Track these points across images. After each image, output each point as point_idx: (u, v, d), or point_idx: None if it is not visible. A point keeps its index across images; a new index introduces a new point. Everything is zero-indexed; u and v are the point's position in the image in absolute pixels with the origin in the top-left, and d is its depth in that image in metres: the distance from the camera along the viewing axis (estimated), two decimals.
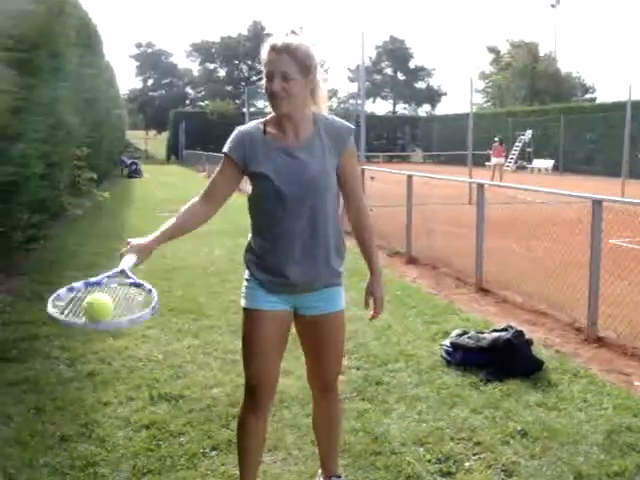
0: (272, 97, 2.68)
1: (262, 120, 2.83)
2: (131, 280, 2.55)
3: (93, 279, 2.55)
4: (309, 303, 2.87)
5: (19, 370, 4.85)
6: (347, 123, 2.88)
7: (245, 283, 2.90)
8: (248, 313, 2.88)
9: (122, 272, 2.58)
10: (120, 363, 5.03)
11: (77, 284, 2.54)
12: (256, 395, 2.90)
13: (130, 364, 5.01)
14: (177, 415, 4.10)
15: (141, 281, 2.53)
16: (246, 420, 2.96)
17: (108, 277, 2.56)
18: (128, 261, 2.63)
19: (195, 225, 2.81)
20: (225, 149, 2.79)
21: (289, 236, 2.75)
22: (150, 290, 2.48)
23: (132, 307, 2.45)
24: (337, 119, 2.87)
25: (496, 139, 28.63)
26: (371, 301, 3.00)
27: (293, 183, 2.71)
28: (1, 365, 4.98)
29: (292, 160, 2.73)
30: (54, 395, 4.41)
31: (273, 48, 2.66)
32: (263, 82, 2.76)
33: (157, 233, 2.73)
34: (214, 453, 3.64)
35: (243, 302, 2.90)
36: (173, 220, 2.76)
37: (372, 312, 3.01)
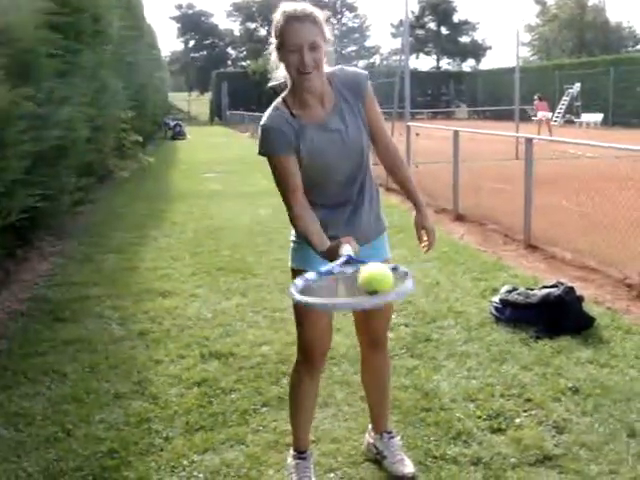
0: (303, 71, 2.51)
1: (279, 103, 2.67)
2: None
3: (324, 269, 2.38)
4: (361, 253, 2.77)
5: (73, 330, 4.97)
6: (359, 70, 2.76)
7: (292, 244, 2.86)
8: (298, 273, 2.84)
9: (348, 259, 2.39)
10: (170, 322, 5.10)
11: (310, 275, 2.36)
12: (311, 356, 2.91)
13: (180, 323, 5.08)
14: (227, 372, 4.15)
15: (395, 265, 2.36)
16: (300, 380, 2.97)
17: (339, 266, 2.39)
18: (346, 248, 2.46)
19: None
20: (268, 152, 2.64)
21: (340, 203, 2.74)
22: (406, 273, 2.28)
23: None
24: (348, 68, 2.75)
25: (535, 97, 28.07)
26: (423, 234, 2.88)
27: (337, 155, 2.66)
28: (55, 325, 5.10)
29: (329, 133, 2.65)
30: (107, 354, 4.51)
31: (295, 18, 2.50)
32: (273, 56, 2.63)
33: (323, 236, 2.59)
34: (265, 409, 3.68)
35: (293, 263, 2.86)
36: (314, 225, 2.61)
37: (426, 244, 2.89)
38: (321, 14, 2.56)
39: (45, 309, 5.48)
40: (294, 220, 2.64)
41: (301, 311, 2.84)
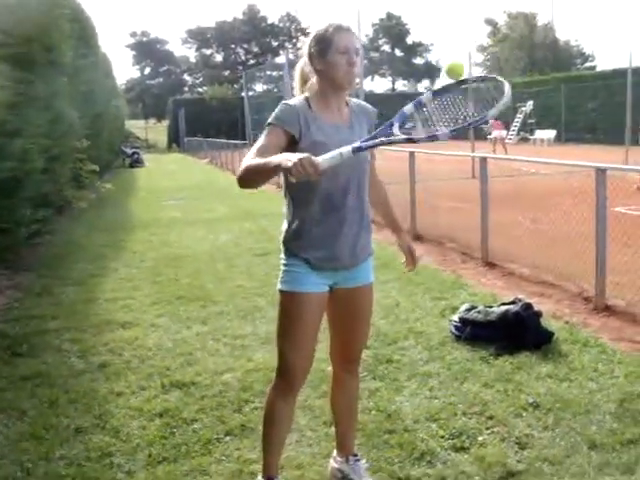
0: (351, 71, 2.76)
1: (303, 97, 2.83)
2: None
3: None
4: (350, 275, 2.90)
5: (31, 364, 4.88)
6: (372, 106, 3.01)
7: (284, 267, 2.86)
8: (292, 296, 2.83)
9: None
10: (131, 353, 5.04)
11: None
12: (293, 379, 2.90)
13: (140, 354, 5.03)
14: (189, 402, 4.11)
15: None
16: (278, 404, 2.95)
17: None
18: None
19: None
20: (275, 120, 2.73)
21: (340, 210, 2.79)
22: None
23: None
24: (362, 102, 3.03)
25: None
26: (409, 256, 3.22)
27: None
28: (13, 360, 5.01)
29: (341, 134, 2.78)
30: (67, 388, 4.43)
31: (342, 27, 2.77)
32: (304, 67, 2.82)
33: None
34: (228, 438, 3.66)
35: (284, 286, 2.85)
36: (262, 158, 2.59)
37: (412, 265, 3.22)
38: None
39: (2, 344, 5.37)
40: (242, 167, 2.60)
41: (292, 335, 2.84)
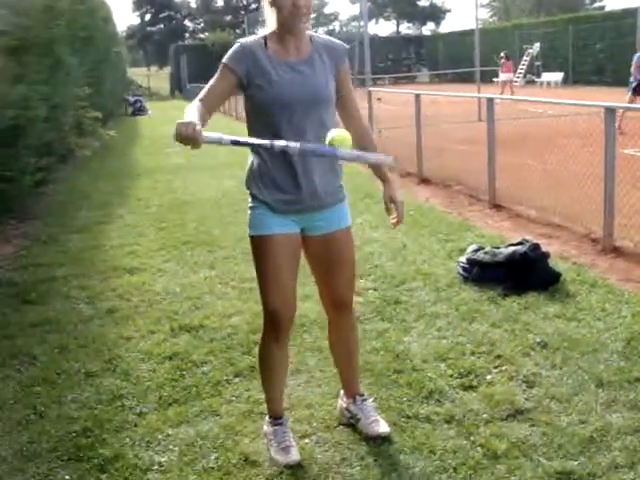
0: (296, 13, 2.64)
1: (261, 36, 2.79)
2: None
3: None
4: (316, 222, 2.85)
5: (40, 311, 4.90)
6: (342, 42, 2.89)
7: (250, 211, 2.85)
8: (259, 240, 2.83)
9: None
10: (139, 298, 5.06)
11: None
12: (277, 322, 2.90)
13: (149, 298, 5.05)
14: (198, 345, 4.14)
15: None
16: (268, 348, 2.97)
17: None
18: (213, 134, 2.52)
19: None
20: (225, 60, 2.74)
21: (300, 148, 2.65)
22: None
23: None
24: (332, 39, 2.89)
25: (502, 54, 28.05)
26: (392, 207, 2.93)
27: (299, 94, 2.71)
28: (23, 307, 5.04)
29: (296, 73, 2.73)
30: (76, 333, 4.46)
31: None
32: (266, 5, 2.72)
33: (196, 115, 2.55)
34: (237, 380, 3.68)
35: (251, 230, 2.85)
36: (197, 108, 2.62)
37: (395, 218, 2.93)
38: None
39: (11, 292, 5.39)
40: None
41: (265, 277, 2.85)
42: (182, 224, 7.40)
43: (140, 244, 6.63)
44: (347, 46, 2.88)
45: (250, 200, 2.86)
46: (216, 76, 2.76)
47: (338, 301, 3.03)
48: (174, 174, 11.38)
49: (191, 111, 2.57)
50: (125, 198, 9.34)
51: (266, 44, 2.75)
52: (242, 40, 2.80)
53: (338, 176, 2.89)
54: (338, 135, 2.53)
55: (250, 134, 2.80)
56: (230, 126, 21.84)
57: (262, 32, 2.83)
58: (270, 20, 2.76)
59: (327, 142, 2.51)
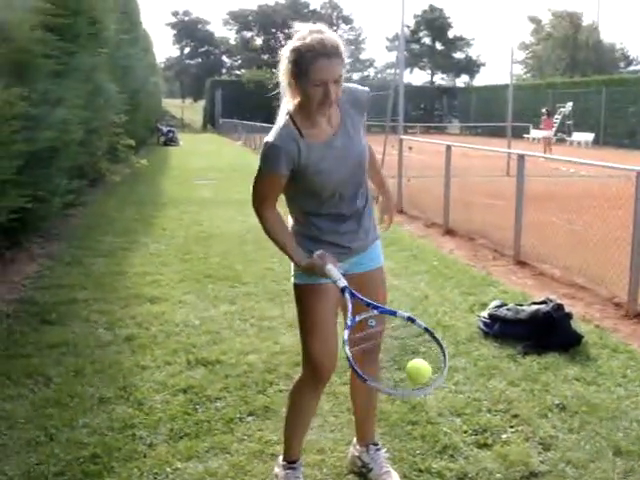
0: (325, 103, 2.57)
1: (285, 122, 2.66)
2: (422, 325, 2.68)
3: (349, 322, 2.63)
4: (360, 261, 2.90)
5: (58, 333, 4.93)
6: (361, 87, 2.84)
7: None
8: (307, 288, 2.83)
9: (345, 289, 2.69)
10: (158, 328, 5.07)
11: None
12: (320, 373, 2.88)
13: (167, 329, 5.05)
14: (214, 380, 4.12)
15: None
16: (304, 395, 2.95)
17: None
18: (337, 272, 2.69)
19: None
20: (267, 168, 2.67)
21: (345, 213, 2.79)
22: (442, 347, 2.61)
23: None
24: (352, 86, 2.80)
25: (543, 110, 28.13)
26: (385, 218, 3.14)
27: (343, 170, 2.72)
28: (41, 327, 5.06)
29: (335, 151, 2.70)
30: (93, 358, 4.47)
31: (321, 53, 2.51)
32: (285, 78, 2.63)
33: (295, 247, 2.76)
34: (250, 418, 3.66)
35: (297, 279, 2.86)
36: (289, 236, 2.79)
37: (386, 225, 3.13)
38: (342, 42, 2.60)
39: (31, 311, 5.43)
40: (264, 218, 2.74)
41: (312, 326, 2.85)
42: (205, 257, 7.44)
43: (162, 274, 6.66)
44: (367, 89, 2.84)
45: None
46: (263, 178, 2.70)
47: (369, 352, 2.99)
48: (201, 206, 11.46)
49: (288, 240, 2.75)
50: (150, 227, 9.42)
51: (299, 130, 2.64)
52: (272, 139, 2.64)
53: (372, 215, 2.95)
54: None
55: (291, 206, 2.85)
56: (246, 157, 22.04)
57: (285, 106, 2.70)
58: (294, 94, 2.66)
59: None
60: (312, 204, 2.78)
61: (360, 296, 2.66)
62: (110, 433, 3.47)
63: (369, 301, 2.66)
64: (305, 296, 2.84)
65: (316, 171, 2.68)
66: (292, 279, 2.90)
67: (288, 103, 2.69)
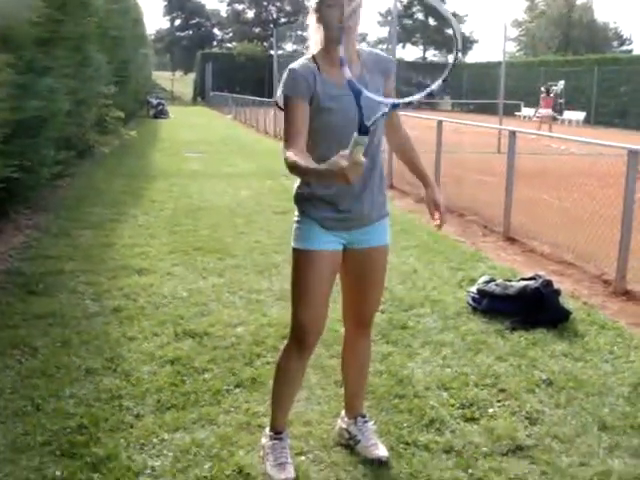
0: (343, 27, 2.54)
1: (309, 56, 2.74)
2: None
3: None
4: (363, 236, 2.85)
5: (46, 303, 4.89)
6: (389, 56, 2.87)
7: (296, 224, 2.85)
8: (303, 254, 2.81)
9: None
10: (145, 299, 5.05)
11: None
12: (304, 336, 2.87)
13: (155, 301, 5.03)
14: (201, 352, 4.11)
15: None
16: (289, 360, 2.94)
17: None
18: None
19: None
20: (288, 92, 2.67)
21: None
22: None
23: None
24: (378, 51, 2.88)
25: (542, 88, 28.01)
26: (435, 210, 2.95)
27: (351, 117, 2.58)
28: (28, 298, 5.03)
29: (346, 95, 2.59)
30: (80, 329, 4.45)
31: None
32: (311, 24, 2.70)
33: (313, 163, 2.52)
34: (237, 390, 3.65)
35: (296, 243, 2.84)
36: (306, 159, 2.55)
37: (438, 220, 2.94)
38: None
39: (18, 282, 5.39)
40: (287, 158, 2.57)
41: (304, 292, 2.83)
42: (195, 230, 7.40)
43: (151, 246, 6.62)
44: (394, 59, 2.85)
45: (297, 214, 2.85)
46: (288, 113, 2.68)
47: (361, 318, 3.03)
48: (191, 179, 11.40)
49: (303, 158, 2.52)
50: (140, 199, 9.36)
51: (318, 67, 2.71)
52: (293, 66, 2.72)
53: (383, 190, 2.91)
54: None
55: (309, 149, 2.69)
56: (251, 136, 21.92)
57: (309, 52, 2.77)
58: (316, 38, 2.74)
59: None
60: (318, 150, 2.67)
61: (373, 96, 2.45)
62: (97, 404, 3.46)
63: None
64: (300, 261, 2.83)
65: (326, 107, 2.67)
66: (292, 242, 2.87)
67: (313, 47, 2.75)
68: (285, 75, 2.71)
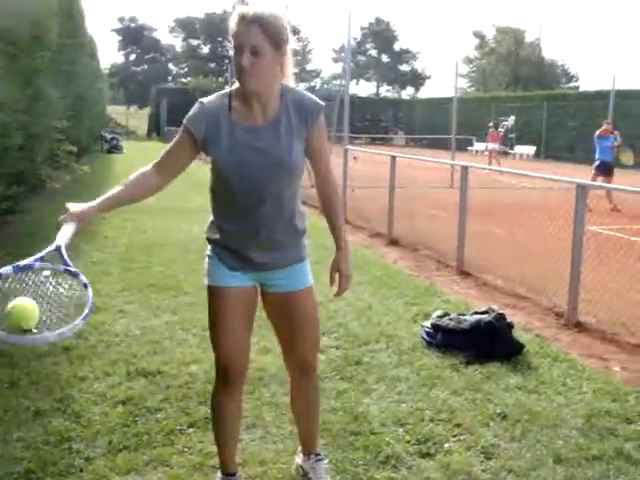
0: (240, 72, 2.50)
1: (227, 92, 2.66)
2: (65, 267, 2.39)
3: (24, 262, 2.34)
4: (274, 281, 2.81)
5: None
6: (316, 99, 2.72)
7: (207, 260, 2.81)
8: (213, 290, 2.79)
9: (57, 250, 2.41)
10: (97, 338, 4.95)
11: (5, 269, 2.29)
12: (228, 374, 2.85)
13: (107, 339, 4.94)
14: (154, 391, 4.04)
15: (77, 270, 2.37)
16: (220, 399, 2.91)
17: (41, 259, 2.38)
18: (65, 233, 2.47)
19: (145, 195, 2.67)
20: (185, 121, 2.64)
21: (253, 219, 2.67)
22: (85, 285, 2.32)
23: (64, 309, 2.29)
24: (306, 94, 2.72)
25: (490, 124, 28.64)
26: (336, 277, 2.91)
27: (257, 166, 2.61)
28: None
29: (257, 142, 2.61)
30: (29, 369, 4.33)
31: (243, 18, 2.48)
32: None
33: (101, 198, 2.61)
34: (191, 430, 3.59)
35: (206, 280, 2.81)
36: (121, 187, 2.63)
37: (336, 288, 2.91)
38: (281, 22, 2.53)
39: None
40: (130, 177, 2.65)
41: (216, 328, 2.81)
42: (148, 266, 7.31)
43: (104, 283, 6.52)
44: (321, 103, 2.72)
45: (209, 248, 2.82)
46: (177, 137, 2.68)
47: (301, 363, 2.96)
48: (145, 214, 11.26)
49: (114, 189, 2.62)
50: (93, 235, 9.21)
51: (230, 105, 2.63)
52: (205, 100, 2.67)
53: (299, 235, 2.81)
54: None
55: (212, 194, 2.77)
56: (204, 171, 21.88)
57: (232, 86, 2.66)
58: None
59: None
60: (222, 200, 2.71)
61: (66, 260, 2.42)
62: (46, 447, 3.37)
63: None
64: (210, 297, 2.81)
65: (228, 153, 2.60)
66: (203, 279, 2.84)
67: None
68: (195, 106, 2.66)
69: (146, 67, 79.87)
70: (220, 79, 61.62)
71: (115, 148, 31.22)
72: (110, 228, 9.76)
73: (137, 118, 63.03)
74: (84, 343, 4.83)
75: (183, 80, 73.40)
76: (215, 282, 2.78)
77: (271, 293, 2.84)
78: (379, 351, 4.86)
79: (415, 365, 4.60)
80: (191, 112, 2.65)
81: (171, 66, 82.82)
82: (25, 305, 2.29)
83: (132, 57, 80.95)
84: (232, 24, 2.52)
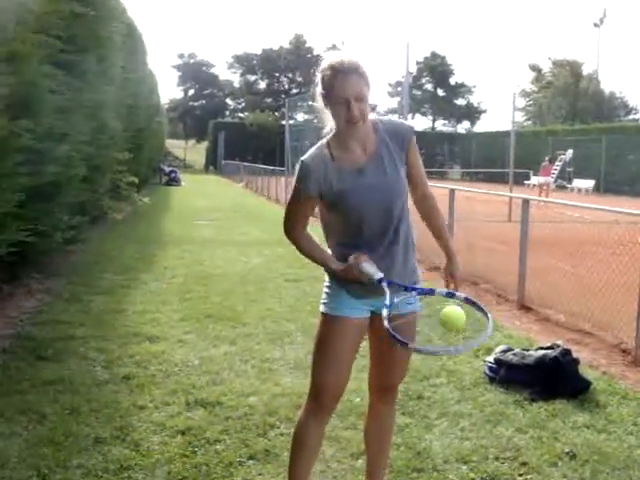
0: (351, 122, 2.61)
1: (325, 142, 2.74)
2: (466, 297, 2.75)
3: (387, 301, 2.66)
4: (403, 302, 2.82)
5: (55, 369, 4.82)
6: (406, 122, 2.89)
7: (326, 290, 2.86)
8: (329, 319, 2.81)
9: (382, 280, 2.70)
10: (156, 367, 4.96)
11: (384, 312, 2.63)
12: (323, 398, 2.84)
13: (166, 369, 4.95)
14: (213, 422, 4.01)
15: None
16: (306, 425, 2.88)
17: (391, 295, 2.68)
18: (372, 265, 2.71)
19: None
20: (299, 184, 2.71)
21: (374, 246, 2.74)
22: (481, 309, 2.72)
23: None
24: (394, 120, 2.88)
25: (546, 158, 28.52)
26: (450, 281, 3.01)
27: (372, 200, 2.69)
28: (38, 363, 4.96)
29: (365, 178, 2.70)
30: (89, 396, 4.36)
31: (339, 71, 2.59)
32: (319, 102, 2.70)
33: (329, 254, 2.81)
34: (251, 462, 3.55)
35: (324, 308, 2.84)
36: (320, 250, 2.82)
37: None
38: (363, 64, 2.65)
39: (28, 347, 5.33)
40: (297, 241, 2.79)
41: (324, 356, 2.81)
42: (206, 297, 7.35)
43: (162, 312, 6.56)
44: (411, 125, 2.87)
45: (328, 279, 2.86)
46: (294, 198, 2.76)
47: (387, 384, 3.00)
48: (202, 246, 11.40)
49: (318, 251, 2.79)
50: (151, 265, 9.35)
51: (331, 154, 2.71)
52: (305, 158, 2.73)
53: (412, 259, 2.89)
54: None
55: (326, 235, 2.86)
56: (262, 204, 22.05)
57: (325, 135, 2.76)
58: (329, 121, 2.73)
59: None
60: (342, 233, 2.78)
61: (398, 282, 2.71)
62: (105, 475, 3.36)
63: (406, 285, 2.73)
64: (326, 326, 2.82)
65: (343, 196, 2.68)
66: (320, 306, 2.87)
67: (326, 128, 2.77)
68: (297, 168, 2.73)
69: (204, 102, 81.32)
70: (276, 114, 62.44)
71: (173, 180, 31.83)
72: (169, 259, 9.88)
73: (195, 152, 64.28)
74: (144, 372, 4.85)
75: (240, 115, 74.68)
76: (333, 311, 2.81)
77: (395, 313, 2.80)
78: (440, 386, 4.75)
79: (478, 401, 4.48)
80: (298, 173, 2.72)
81: (228, 101, 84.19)
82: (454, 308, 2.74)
83: (191, 92, 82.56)
84: (326, 78, 2.63)
